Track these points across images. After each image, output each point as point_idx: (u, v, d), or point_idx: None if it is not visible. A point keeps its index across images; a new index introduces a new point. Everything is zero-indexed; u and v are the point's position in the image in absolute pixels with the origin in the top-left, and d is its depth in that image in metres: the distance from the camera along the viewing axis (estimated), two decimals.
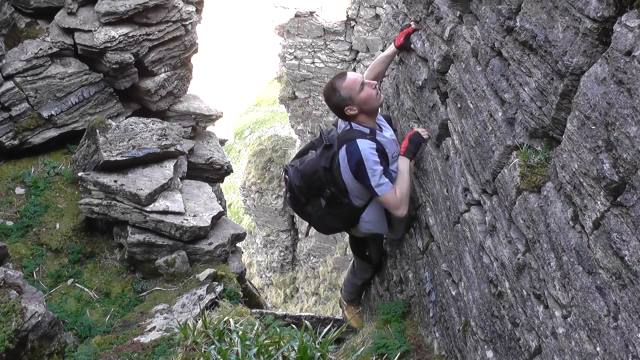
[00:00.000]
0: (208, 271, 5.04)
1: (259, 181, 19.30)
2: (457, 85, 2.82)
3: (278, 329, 3.11)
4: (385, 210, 3.59)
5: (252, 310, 5.21)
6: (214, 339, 2.52)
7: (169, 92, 7.04)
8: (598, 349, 1.63)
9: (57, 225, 5.59)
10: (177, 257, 5.16)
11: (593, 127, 1.60)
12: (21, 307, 2.90)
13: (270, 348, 2.31)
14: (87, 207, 5.42)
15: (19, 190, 5.81)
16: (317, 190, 3.51)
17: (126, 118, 6.35)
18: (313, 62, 15.66)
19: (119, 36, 6.14)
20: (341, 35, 14.94)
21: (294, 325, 4.24)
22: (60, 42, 6.13)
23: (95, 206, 5.38)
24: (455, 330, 3.05)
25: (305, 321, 2.67)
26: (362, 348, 3.59)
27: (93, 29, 6.12)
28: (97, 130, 5.60)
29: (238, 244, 6.11)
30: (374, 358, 3.51)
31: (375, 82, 3.52)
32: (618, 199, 1.51)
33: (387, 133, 3.54)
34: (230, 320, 2.80)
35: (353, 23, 14.67)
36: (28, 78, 5.93)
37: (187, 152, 6.33)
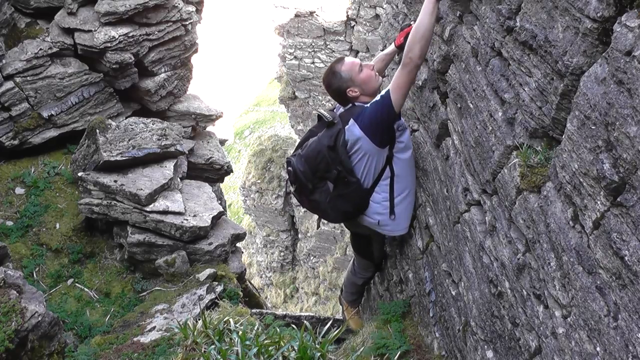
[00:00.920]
0: (208, 271, 5.04)
1: (259, 181, 19.31)
2: (457, 85, 2.82)
3: (278, 329, 3.11)
4: (390, 197, 3.52)
5: (252, 310, 5.21)
6: (214, 339, 2.52)
7: (169, 92, 7.04)
8: (598, 349, 1.63)
9: (57, 225, 5.59)
10: (177, 257, 5.16)
11: (593, 127, 1.60)
12: (21, 307, 2.90)
13: (270, 348, 2.32)
14: (87, 207, 5.42)
15: (19, 190, 5.81)
16: (323, 173, 3.43)
17: (126, 118, 6.35)
18: (313, 62, 15.67)
19: (119, 36, 6.14)
20: (341, 35, 14.95)
21: (294, 325, 4.24)
22: (60, 42, 6.13)
23: (95, 206, 5.39)
24: (455, 330, 3.05)
25: (305, 321, 2.67)
26: (362, 348, 3.58)
27: (93, 29, 6.12)
28: (97, 130, 5.61)
29: (238, 244, 6.11)
30: (374, 358, 3.51)
31: (373, 64, 3.56)
32: (618, 199, 1.51)
33: None
34: (230, 320, 2.80)
35: (353, 23, 14.68)
36: (28, 78, 5.93)
37: (187, 152, 6.33)
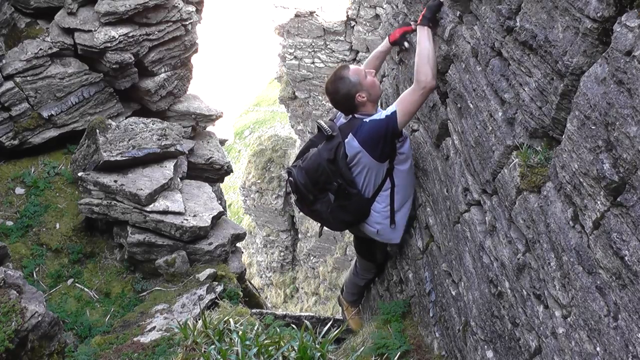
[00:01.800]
0: (208, 271, 5.04)
1: (259, 181, 19.31)
2: (457, 85, 2.82)
3: (278, 329, 3.11)
4: (391, 208, 3.54)
5: (252, 310, 5.21)
6: (214, 339, 2.52)
7: (169, 92, 7.04)
8: (598, 349, 1.63)
9: (57, 225, 5.59)
10: (177, 257, 5.16)
11: (593, 127, 1.60)
12: (21, 307, 2.90)
13: (270, 348, 2.32)
14: (87, 207, 5.42)
15: (19, 190, 5.81)
16: (324, 185, 3.46)
17: (126, 118, 6.35)
18: (313, 62, 15.65)
19: (119, 36, 6.14)
20: (341, 35, 14.94)
21: (294, 325, 4.24)
22: (60, 42, 6.13)
23: (95, 206, 5.39)
24: (455, 330, 3.05)
25: (305, 321, 2.66)
26: (362, 348, 3.58)
27: (93, 29, 6.12)
28: (97, 130, 5.61)
29: (238, 244, 6.11)
30: (374, 358, 3.51)
31: (373, 70, 3.58)
32: (618, 199, 1.51)
33: None
34: (230, 320, 2.80)
35: (353, 23, 14.66)
36: (28, 78, 5.93)
37: (187, 152, 6.33)
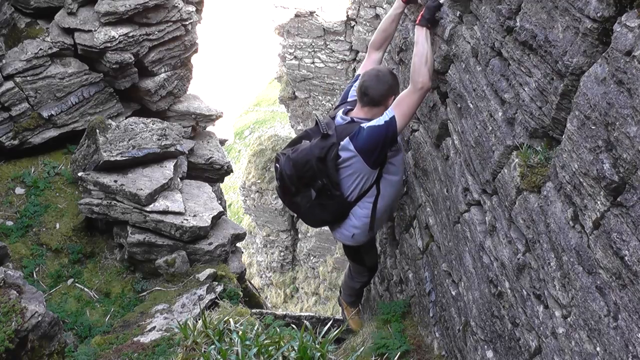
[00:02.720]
0: (208, 271, 5.04)
1: (259, 181, 19.31)
2: (457, 85, 2.82)
3: (278, 329, 3.11)
4: (372, 213, 3.54)
5: (252, 310, 5.21)
6: (214, 339, 2.52)
7: (169, 92, 7.04)
8: (598, 349, 1.63)
9: (57, 225, 5.59)
10: (177, 257, 5.16)
11: (593, 127, 1.60)
12: (21, 307, 2.90)
13: (270, 348, 2.32)
14: (87, 207, 5.42)
15: (19, 190, 5.81)
16: (308, 180, 3.41)
17: (126, 118, 6.34)
18: (313, 62, 15.64)
19: (119, 36, 6.14)
20: (341, 35, 14.93)
21: (294, 325, 4.24)
22: (60, 42, 6.13)
23: (95, 206, 5.39)
24: (455, 330, 3.05)
25: (305, 321, 2.66)
26: (362, 348, 3.59)
27: (93, 29, 6.12)
28: (97, 130, 5.61)
29: (238, 244, 6.11)
30: (374, 358, 3.51)
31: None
32: (618, 199, 1.51)
33: None
34: (230, 320, 2.80)
35: (353, 23, 14.65)
36: (28, 78, 5.93)
37: (187, 152, 6.33)
